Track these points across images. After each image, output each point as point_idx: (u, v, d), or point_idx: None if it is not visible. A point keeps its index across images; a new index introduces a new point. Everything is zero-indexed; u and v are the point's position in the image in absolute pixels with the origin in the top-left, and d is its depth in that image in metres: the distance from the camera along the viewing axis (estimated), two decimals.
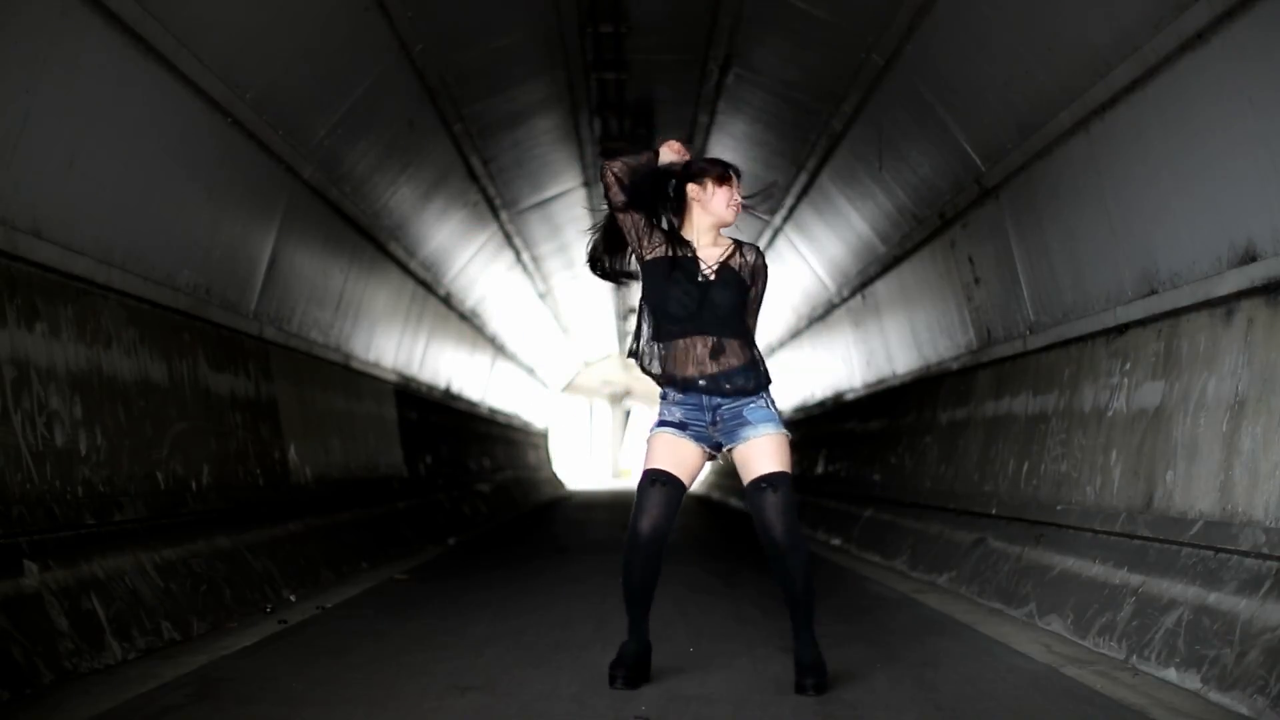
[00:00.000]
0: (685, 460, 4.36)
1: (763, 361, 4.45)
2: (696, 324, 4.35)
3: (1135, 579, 5.21)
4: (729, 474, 24.06)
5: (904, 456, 10.03)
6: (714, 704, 4.11)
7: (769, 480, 4.27)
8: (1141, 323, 5.76)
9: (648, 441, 4.43)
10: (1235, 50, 4.65)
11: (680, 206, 4.54)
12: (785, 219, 12.51)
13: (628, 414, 37.35)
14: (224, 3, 5.86)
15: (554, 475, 25.87)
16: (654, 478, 4.31)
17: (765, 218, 4.68)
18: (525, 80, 9.82)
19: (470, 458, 15.86)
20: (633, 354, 4.50)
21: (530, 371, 23.28)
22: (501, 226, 13.40)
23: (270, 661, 4.78)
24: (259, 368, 7.55)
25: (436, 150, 9.99)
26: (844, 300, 12.48)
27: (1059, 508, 6.33)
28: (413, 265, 11.42)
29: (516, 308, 18.18)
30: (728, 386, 4.32)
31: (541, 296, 18.68)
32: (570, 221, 14.81)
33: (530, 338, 21.20)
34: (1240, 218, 4.85)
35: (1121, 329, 5.98)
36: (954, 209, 8.20)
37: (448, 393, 15.06)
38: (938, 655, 5.09)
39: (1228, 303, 4.97)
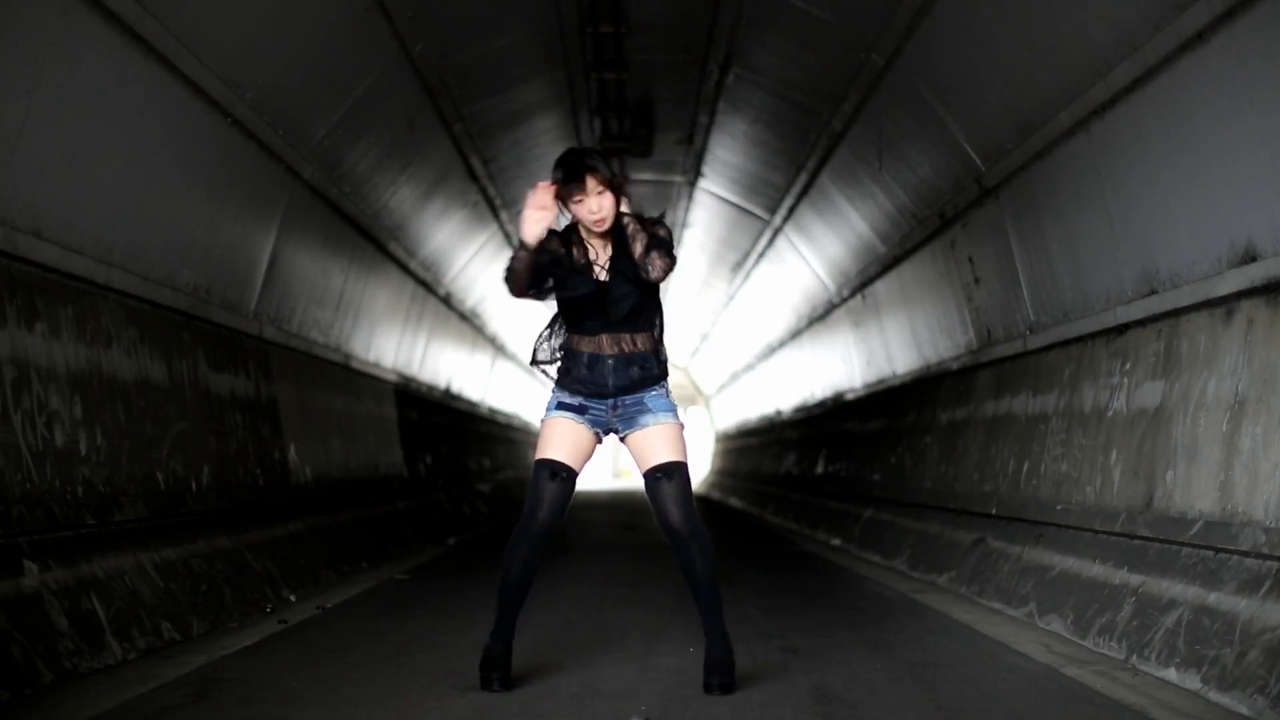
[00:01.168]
0: (582, 450, 4.34)
1: (663, 350, 4.42)
2: (603, 325, 4.32)
3: (1135, 579, 5.21)
4: (729, 474, 24.05)
5: (904, 456, 10.03)
6: (714, 704, 4.11)
7: (665, 470, 4.28)
8: (1141, 323, 5.76)
9: (542, 425, 4.37)
10: (1235, 50, 4.65)
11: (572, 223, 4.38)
12: (785, 219, 12.51)
13: None
14: (224, 3, 5.86)
15: None
16: (554, 471, 4.28)
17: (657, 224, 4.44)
18: (525, 80, 9.82)
19: (470, 457, 15.86)
20: (534, 360, 4.45)
21: (531, 371, 23.25)
22: (501, 226, 13.40)
23: (270, 661, 4.78)
24: (259, 368, 7.55)
25: (436, 150, 9.99)
26: (844, 300, 12.47)
27: (1059, 508, 6.33)
28: (413, 265, 11.42)
29: (516, 308, 18.17)
30: (635, 373, 4.31)
31: None
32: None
33: (530, 338, 21.18)
34: (1240, 218, 4.85)
35: (1121, 329, 5.98)
36: (954, 209, 8.20)
37: (448, 393, 15.06)
38: (938, 655, 5.09)
39: (1228, 303, 4.97)
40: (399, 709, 3.99)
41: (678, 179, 13.06)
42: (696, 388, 32.01)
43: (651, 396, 4.35)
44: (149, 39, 5.31)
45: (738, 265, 16.08)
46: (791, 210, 12.05)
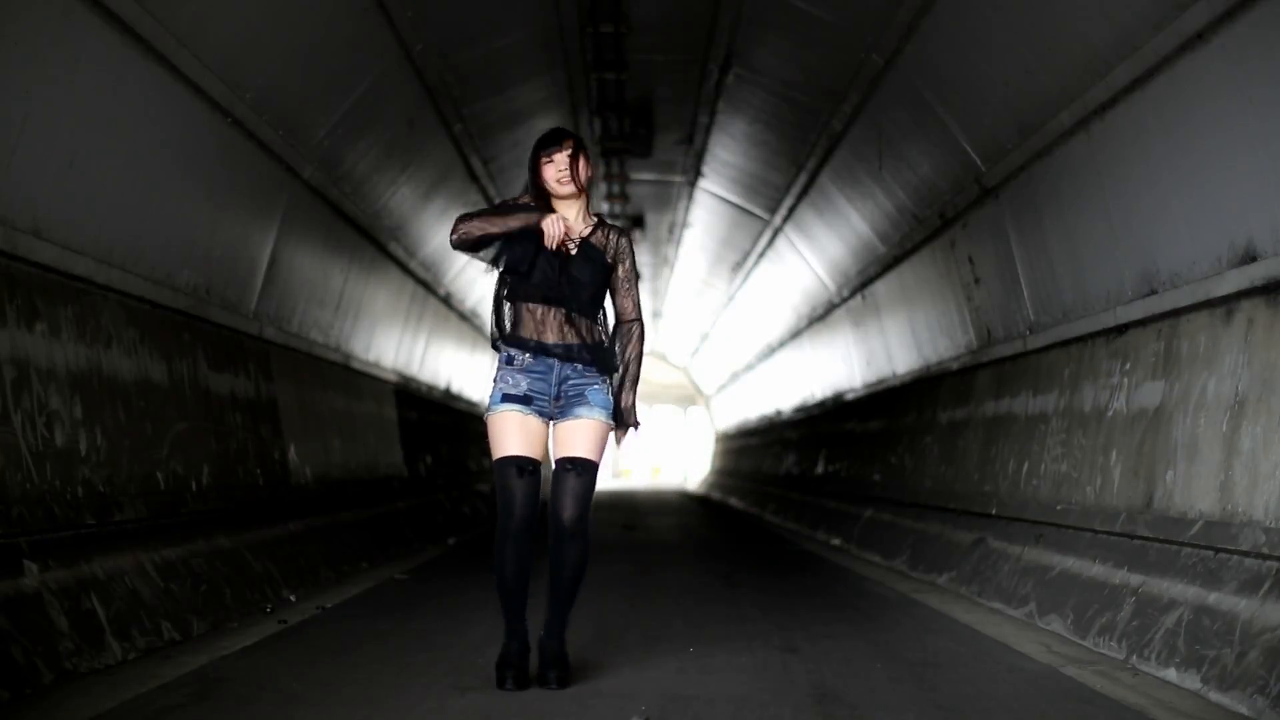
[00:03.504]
0: (537, 439, 4.36)
1: (610, 345, 4.45)
2: (555, 295, 4.32)
3: (1135, 579, 5.21)
4: (729, 474, 24.05)
5: (904, 456, 10.03)
6: (714, 704, 4.11)
7: (574, 464, 4.31)
8: (1141, 323, 5.76)
9: (492, 420, 4.36)
10: (1235, 50, 4.65)
11: (539, 183, 4.41)
12: (785, 219, 12.51)
13: None
14: (224, 3, 5.86)
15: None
16: (519, 466, 4.29)
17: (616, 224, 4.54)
18: (525, 80, 9.82)
19: (470, 458, 15.85)
20: (495, 344, 4.44)
21: None
22: None
23: (270, 661, 4.78)
24: (259, 368, 7.55)
25: (436, 150, 9.99)
26: (844, 300, 12.48)
27: (1059, 508, 6.33)
28: (413, 265, 11.42)
29: None
30: (586, 355, 4.33)
31: None
32: None
33: None
34: (1240, 218, 4.85)
35: (1121, 329, 5.98)
36: (954, 209, 8.20)
37: (448, 393, 15.07)
38: (938, 655, 5.09)
39: (1228, 303, 4.97)
40: (399, 709, 3.99)
41: (678, 179, 13.06)
42: (696, 388, 32.00)
43: (593, 390, 4.36)
44: (149, 39, 5.31)
45: (738, 265, 16.08)
46: (791, 210, 12.05)
